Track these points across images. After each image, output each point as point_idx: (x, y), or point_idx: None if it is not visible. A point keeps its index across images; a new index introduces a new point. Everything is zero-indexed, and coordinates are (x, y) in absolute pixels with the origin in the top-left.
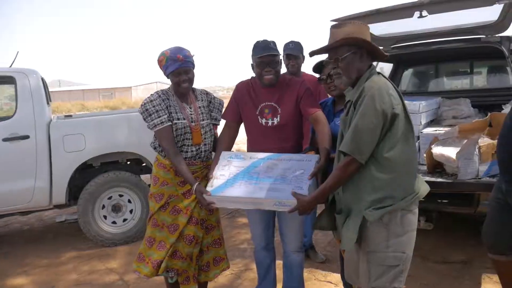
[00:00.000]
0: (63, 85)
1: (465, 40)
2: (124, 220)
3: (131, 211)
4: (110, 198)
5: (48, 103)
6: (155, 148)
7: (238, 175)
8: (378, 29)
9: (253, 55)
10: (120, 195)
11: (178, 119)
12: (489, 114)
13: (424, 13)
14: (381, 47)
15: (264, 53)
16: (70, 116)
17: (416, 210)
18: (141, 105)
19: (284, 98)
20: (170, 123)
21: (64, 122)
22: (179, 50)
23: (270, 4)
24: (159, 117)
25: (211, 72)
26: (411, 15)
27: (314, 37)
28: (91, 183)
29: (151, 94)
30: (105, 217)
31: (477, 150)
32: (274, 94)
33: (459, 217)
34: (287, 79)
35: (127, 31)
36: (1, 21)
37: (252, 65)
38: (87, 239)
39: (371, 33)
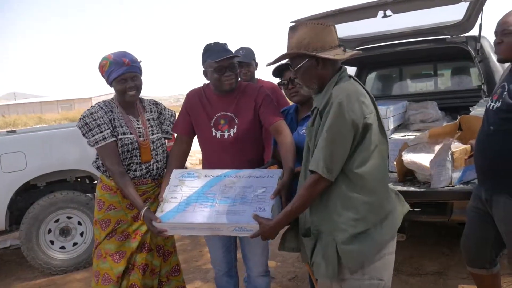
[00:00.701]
0: (19, 98)
1: (430, 40)
2: (74, 244)
3: (81, 234)
4: (57, 221)
5: None
6: (98, 168)
7: (192, 197)
8: (341, 30)
9: (207, 60)
10: (69, 217)
11: (124, 133)
12: (458, 117)
13: (388, 12)
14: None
15: (222, 57)
16: (14, 131)
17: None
18: (80, 118)
19: (241, 106)
20: (114, 138)
21: (1, 139)
22: (124, 53)
23: (224, 6)
24: (101, 132)
25: (175, 80)
26: (375, 15)
27: (272, 40)
28: (34, 206)
29: (91, 106)
30: (52, 242)
31: (450, 156)
32: (230, 103)
33: (431, 225)
34: (243, 86)
35: (85, 40)
36: None
37: (204, 71)
38: (34, 268)
39: None
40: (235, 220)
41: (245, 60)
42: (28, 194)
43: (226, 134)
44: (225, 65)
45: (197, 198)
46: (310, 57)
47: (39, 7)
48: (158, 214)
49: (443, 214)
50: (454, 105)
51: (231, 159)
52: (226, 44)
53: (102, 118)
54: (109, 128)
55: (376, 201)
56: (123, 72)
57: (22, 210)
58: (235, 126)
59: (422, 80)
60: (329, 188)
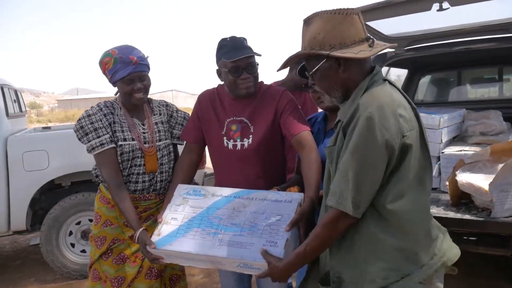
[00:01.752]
0: (81, 93)
1: (497, 39)
2: None
3: None
4: (78, 223)
5: (8, 115)
6: (97, 176)
7: (194, 220)
8: (388, 26)
9: (221, 59)
10: (91, 220)
11: (125, 139)
12: None
13: (445, 5)
14: (391, 49)
15: (239, 56)
16: (49, 128)
17: (441, 285)
18: (77, 120)
19: (259, 112)
20: (113, 145)
21: (24, 137)
22: (130, 49)
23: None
24: (98, 137)
25: (173, 75)
26: (429, 8)
27: (283, 38)
28: (55, 207)
29: (91, 107)
30: (72, 245)
31: None
32: (245, 107)
33: (485, 256)
34: (263, 88)
35: (143, 37)
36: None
37: (218, 71)
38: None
39: (378, 33)
40: (240, 255)
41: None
42: (52, 193)
43: (238, 144)
44: (242, 65)
45: (200, 222)
46: (327, 58)
47: (101, 4)
48: (154, 237)
49: (505, 247)
50: None
51: (244, 175)
52: (244, 40)
53: (101, 121)
54: (107, 133)
55: (414, 248)
56: (130, 72)
57: (47, 210)
58: (250, 136)
59: (484, 86)
60: (354, 226)
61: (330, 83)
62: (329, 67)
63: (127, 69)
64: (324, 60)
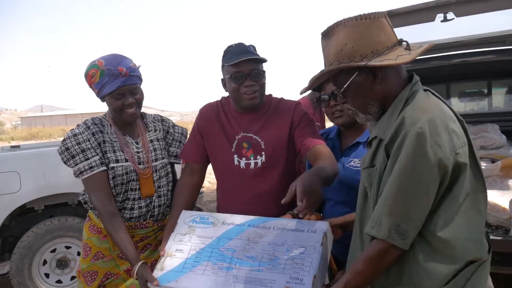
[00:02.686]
0: (46, 110)
1: (497, 51)
2: (73, 278)
3: None
4: (53, 251)
5: None
6: (85, 203)
7: (203, 253)
8: None
9: (224, 64)
10: (67, 247)
11: (117, 160)
12: None
13: (450, 15)
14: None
15: (241, 58)
16: (18, 147)
17: None
18: (62, 141)
19: (270, 127)
20: (104, 167)
21: None
22: (119, 59)
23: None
24: (87, 159)
25: (162, 94)
26: (432, 19)
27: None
28: (28, 234)
29: (77, 126)
30: (47, 275)
31: None
32: (255, 121)
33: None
34: (275, 102)
35: (110, 51)
36: None
37: (223, 80)
38: None
39: None
40: None
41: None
42: (24, 219)
43: (252, 163)
44: (246, 71)
45: (210, 254)
46: (360, 69)
47: (65, 22)
48: (157, 272)
49: None
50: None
51: (257, 195)
52: (252, 46)
53: (89, 141)
54: (97, 154)
55: (470, 273)
56: (119, 85)
57: (18, 237)
58: (263, 153)
59: (472, 99)
60: (405, 256)
61: (366, 98)
62: (363, 80)
63: (116, 82)
64: (357, 73)
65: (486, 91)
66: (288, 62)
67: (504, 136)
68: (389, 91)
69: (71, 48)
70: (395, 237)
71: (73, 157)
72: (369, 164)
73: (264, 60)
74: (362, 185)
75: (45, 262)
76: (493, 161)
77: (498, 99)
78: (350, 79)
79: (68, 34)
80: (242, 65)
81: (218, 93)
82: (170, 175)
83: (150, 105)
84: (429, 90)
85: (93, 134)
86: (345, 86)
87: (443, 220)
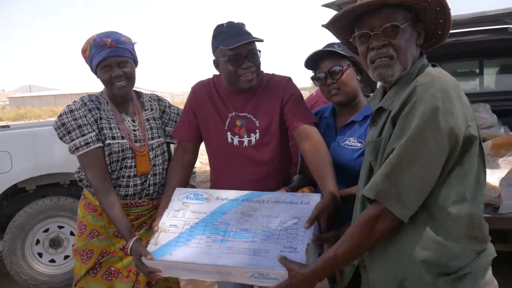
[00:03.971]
0: (34, 90)
1: (490, 31)
2: (66, 257)
3: None
4: (46, 230)
5: None
6: (80, 181)
7: (197, 227)
8: None
9: (218, 46)
10: (60, 227)
11: (114, 137)
12: None
13: None
14: None
15: (239, 42)
16: (8, 127)
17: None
18: (58, 116)
19: (263, 105)
20: (100, 144)
21: None
22: (109, 33)
23: None
24: (83, 135)
25: (189, 73)
26: None
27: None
28: (20, 214)
29: (73, 101)
30: (40, 254)
31: None
32: (248, 100)
33: None
34: (266, 78)
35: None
36: None
37: (215, 61)
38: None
39: None
40: (255, 263)
41: None
42: (16, 199)
43: (245, 141)
44: (243, 53)
45: (204, 228)
46: (415, 19)
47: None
48: (150, 247)
49: (506, 242)
50: (505, 108)
51: (250, 175)
52: (243, 25)
53: (85, 117)
54: (93, 131)
55: (475, 248)
56: (105, 56)
57: (10, 217)
58: (257, 131)
59: (465, 79)
60: (403, 231)
61: (410, 50)
62: (412, 31)
63: (102, 53)
64: (410, 22)
65: (478, 70)
66: (280, 40)
67: (495, 116)
68: (414, 59)
69: (60, 27)
70: (392, 203)
71: (69, 132)
72: (376, 137)
73: (261, 40)
74: (366, 161)
75: (38, 241)
76: (483, 140)
77: (490, 79)
78: (407, 23)
79: (57, 12)
80: (239, 47)
81: (209, 73)
82: (166, 154)
83: (141, 85)
84: (437, 65)
85: (89, 110)
86: (404, 25)
87: (456, 193)
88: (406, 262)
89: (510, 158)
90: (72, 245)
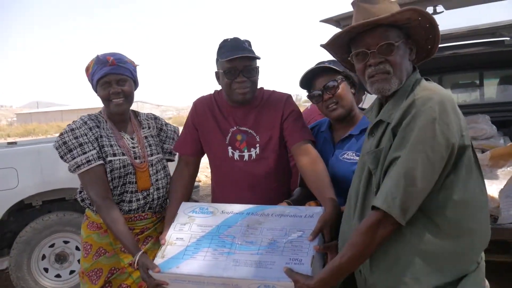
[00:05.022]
0: (42, 106)
1: (487, 43)
2: (72, 272)
3: (79, 261)
4: (52, 245)
5: None
6: (83, 201)
7: (203, 240)
8: None
9: (218, 59)
10: (66, 242)
11: (115, 154)
12: None
13: (439, 8)
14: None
15: (234, 55)
16: (15, 143)
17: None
18: (59, 135)
19: (263, 120)
20: (101, 161)
21: None
22: (113, 53)
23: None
24: (84, 153)
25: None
26: None
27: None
28: (26, 229)
29: (73, 121)
30: (46, 270)
31: None
32: (248, 115)
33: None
34: (266, 94)
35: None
36: None
37: (217, 73)
38: None
39: None
40: (261, 275)
41: None
42: (22, 214)
43: (246, 155)
44: (239, 67)
45: (210, 241)
46: (406, 37)
47: (63, 17)
48: (157, 260)
49: (507, 253)
50: (502, 118)
51: (252, 188)
52: (246, 41)
53: (86, 135)
54: (94, 148)
55: (473, 248)
56: (105, 72)
57: (16, 232)
58: (257, 146)
59: (466, 90)
60: (402, 235)
61: (404, 65)
62: (405, 47)
63: (103, 70)
64: (403, 40)
65: (478, 82)
66: (282, 57)
67: (494, 127)
68: (408, 73)
69: (66, 44)
70: (397, 211)
71: (70, 151)
72: (374, 147)
73: (257, 58)
74: (364, 170)
75: (44, 257)
76: (483, 151)
77: (490, 90)
78: (400, 41)
79: (64, 29)
80: (236, 61)
81: (214, 87)
82: (167, 169)
83: (146, 100)
84: (429, 79)
85: (90, 128)
86: (397, 42)
87: (453, 199)
88: (406, 266)
89: (508, 168)
90: (79, 260)
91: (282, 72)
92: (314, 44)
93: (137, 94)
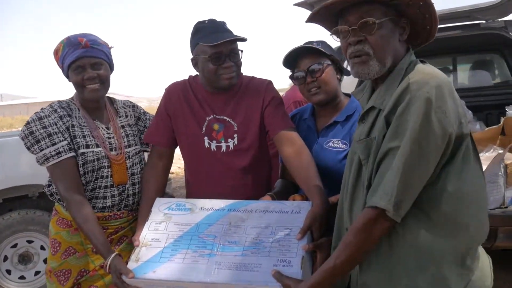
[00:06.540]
0: (7, 99)
1: (463, 27)
2: (37, 273)
3: (45, 261)
4: (15, 246)
5: None
6: (51, 195)
7: (181, 241)
8: None
9: (198, 43)
10: (29, 241)
11: (88, 146)
12: (502, 119)
13: None
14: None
15: (221, 39)
16: None
17: None
18: (25, 124)
19: (242, 108)
20: (72, 153)
21: None
22: (84, 34)
23: None
24: (54, 144)
25: (131, 79)
26: None
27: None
28: None
29: (41, 109)
30: (8, 271)
31: (502, 170)
32: (226, 103)
33: None
34: (245, 80)
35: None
36: None
37: (194, 60)
38: None
39: None
40: (247, 279)
41: None
42: None
43: (223, 146)
44: (225, 51)
45: (189, 242)
46: (398, 13)
47: (27, 8)
48: (131, 264)
49: (487, 239)
50: (476, 103)
51: (231, 181)
52: (224, 23)
53: (56, 124)
54: (65, 139)
55: (467, 249)
56: (78, 55)
57: None
58: (235, 136)
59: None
60: (397, 232)
61: (389, 46)
62: (393, 26)
63: (75, 53)
64: (389, 18)
65: (451, 67)
66: (257, 41)
67: (470, 112)
68: (399, 53)
69: (33, 34)
70: (390, 207)
71: (38, 142)
72: (366, 136)
73: (244, 40)
74: (354, 160)
75: (5, 258)
76: None
77: (463, 75)
78: (385, 18)
79: (31, 17)
80: (221, 45)
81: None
82: (143, 162)
83: (116, 91)
84: (425, 62)
85: (60, 117)
86: (380, 20)
87: (448, 193)
88: (398, 263)
89: (487, 154)
90: (44, 260)
91: (259, 57)
92: (291, 28)
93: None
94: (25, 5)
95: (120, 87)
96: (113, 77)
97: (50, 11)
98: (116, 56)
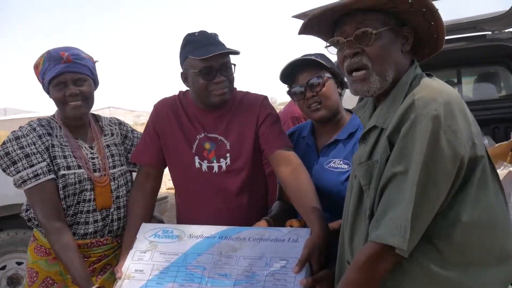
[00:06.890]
0: (10, 113)
1: (468, 38)
2: None
3: None
4: (3, 268)
5: None
6: (29, 220)
7: (167, 273)
8: None
9: (188, 56)
10: (19, 263)
11: (69, 167)
12: None
13: None
14: None
15: (212, 52)
16: None
17: None
18: (1, 145)
19: (235, 125)
20: (52, 175)
21: None
22: (67, 48)
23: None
24: (31, 166)
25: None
26: None
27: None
28: None
29: (19, 128)
30: None
31: None
32: (219, 119)
33: None
34: (239, 96)
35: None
36: None
37: (183, 74)
38: None
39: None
40: None
41: None
42: None
43: (215, 166)
44: (216, 65)
45: (176, 274)
46: (399, 24)
47: (31, 20)
48: None
49: None
50: (482, 117)
51: (224, 203)
52: (216, 35)
53: (34, 144)
54: (44, 160)
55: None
56: (60, 71)
57: None
58: (228, 155)
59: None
60: (399, 265)
61: (389, 59)
62: (393, 37)
63: (57, 68)
64: (389, 27)
65: (456, 80)
66: (254, 55)
67: (478, 127)
68: (401, 66)
69: (36, 48)
70: (396, 241)
71: (14, 163)
72: (367, 159)
73: (237, 53)
74: (355, 185)
75: None
76: None
77: (468, 88)
78: (384, 28)
79: (36, 31)
80: (213, 59)
81: (178, 89)
82: (130, 184)
83: (119, 105)
84: (432, 75)
85: (39, 137)
86: (378, 30)
87: (459, 222)
88: None
89: (497, 171)
90: None
91: (254, 72)
92: (289, 41)
93: (109, 99)
94: (29, 18)
95: (123, 101)
96: (115, 91)
97: (55, 25)
98: (118, 70)
